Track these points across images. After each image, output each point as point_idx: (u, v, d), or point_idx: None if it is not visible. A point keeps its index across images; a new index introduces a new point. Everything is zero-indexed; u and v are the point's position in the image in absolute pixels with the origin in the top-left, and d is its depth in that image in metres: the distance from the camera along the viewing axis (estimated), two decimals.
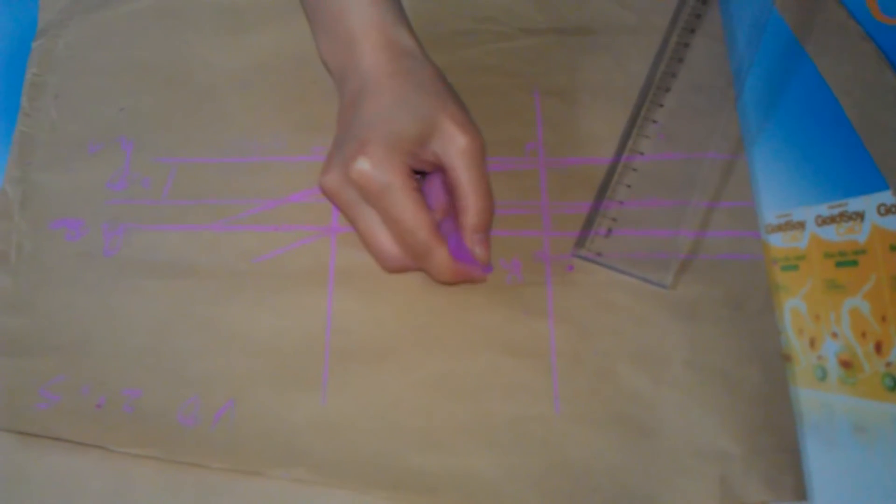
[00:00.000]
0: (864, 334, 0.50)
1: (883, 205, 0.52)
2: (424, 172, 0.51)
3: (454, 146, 0.48)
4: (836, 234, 0.53)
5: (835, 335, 0.51)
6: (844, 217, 0.53)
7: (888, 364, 0.50)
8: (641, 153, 0.55)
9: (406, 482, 0.48)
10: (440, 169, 0.50)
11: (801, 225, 0.53)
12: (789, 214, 0.54)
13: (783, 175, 0.55)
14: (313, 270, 0.53)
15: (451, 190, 0.49)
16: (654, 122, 0.55)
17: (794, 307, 0.52)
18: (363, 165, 0.46)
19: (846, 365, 0.50)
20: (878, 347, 0.50)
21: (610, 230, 0.53)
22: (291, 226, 0.54)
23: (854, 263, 0.52)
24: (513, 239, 0.54)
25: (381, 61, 0.49)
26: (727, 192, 0.54)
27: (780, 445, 0.48)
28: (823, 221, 0.53)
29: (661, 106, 0.56)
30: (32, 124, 0.59)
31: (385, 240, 0.49)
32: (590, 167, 0.55)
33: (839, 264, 0.52)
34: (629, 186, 0.54)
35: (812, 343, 0.51)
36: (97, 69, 0.61)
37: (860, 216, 0.53)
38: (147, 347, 0.52)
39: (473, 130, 0.48)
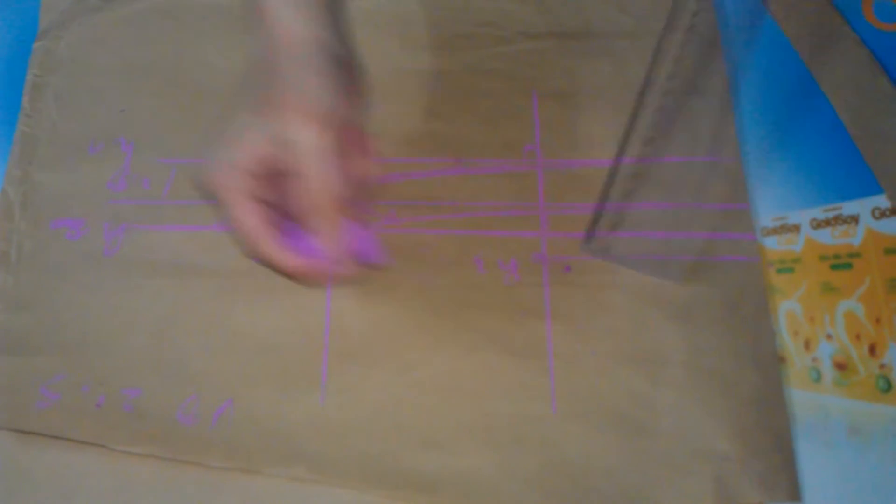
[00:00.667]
0: (858, 336, 0.51)
1: (877, 208, 0.53)
2: None
3: (298, 148, 0.42)
4: (830, 237, 0.53)
5: (829, 337, 0.51)
6: (839, 220, 0.53)
7: (882, 366, 0.50)
8: (643, 156, 0.55)
9: (404, 481, 0.49)
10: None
11: (796, 228, 0.54)
12: (785, 217, 0.54)
13: (778, 178, 0.55)
14: None
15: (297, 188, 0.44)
16: (653, 124, 0.55)
17: (789, 309, 0.52)
18: (211, 173, 0.44)
19: (841, 367, 0.50)
20: (873, 350, 0.50)
21: (615, 227, 0.53)
22: None
23: (849, 266, 0.52)
24: (510, 240, 0.54)
25: (278, 60, 0.44)
26: (723, 194, 0.54)
27: (774, 446, 0.48)
28: (818, 224, 0.53)
29: (660, 109, 0.56)
30: (33, 125, 0.59)
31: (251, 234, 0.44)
32: (587, 169, 0.55)
33: (834, 267, 0.52)
34: (629, 190, 0.54)
35: (807, 345, 0.51)
36: (98, 70, 0.61)
37: (855, 219, 0.53)
38: (146, 347, 0.53)
39: (319, 121, 0.42)
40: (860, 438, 0.49)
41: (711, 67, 0.58)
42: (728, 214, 0.53)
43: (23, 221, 0.56)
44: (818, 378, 0.51)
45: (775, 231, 0.54)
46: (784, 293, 0.52)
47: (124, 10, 0.63)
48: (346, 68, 0.45)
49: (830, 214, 0.54)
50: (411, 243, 0.53)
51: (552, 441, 0.49)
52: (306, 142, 0.42)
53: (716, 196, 0.54)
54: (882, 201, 0.53)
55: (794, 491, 0.47)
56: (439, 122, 0.57)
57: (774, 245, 0.54)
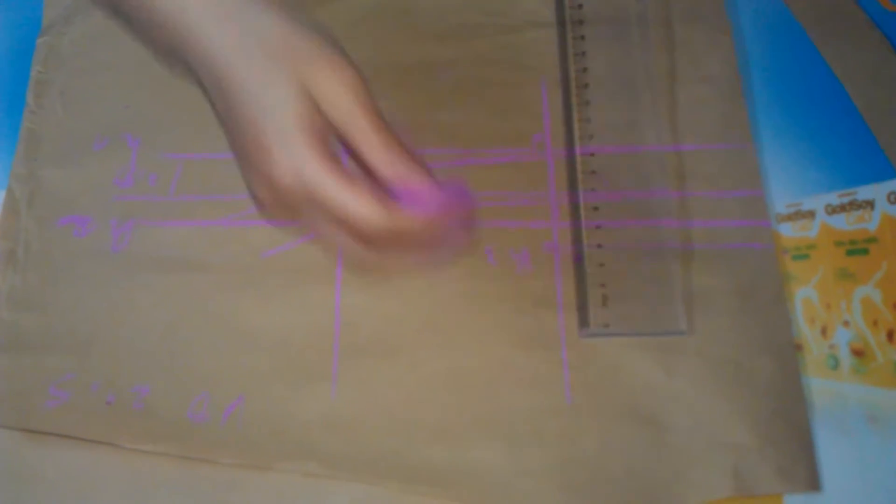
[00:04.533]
0: (875, 323, 0.50)
1: (893, 193, 0.52)
2: None
3: (337, 101, 0.40)
4: (846, 223, 0.52)
5: (847, 324, 0.51)
6: (854, 205, 0.53)
7: None
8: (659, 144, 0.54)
9: (417, 475, 0.48)
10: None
11: (810, 214, 0.53)
12: (799, 204, 0.53)
13: (792, 164, 0.54)
14: (321, 265, 0.53)
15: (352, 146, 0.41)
16: (591, 137, 0.55)
17: (805, 296, 0.51)
18: (282, 179, 0.39)
19: (858, 354, 0.50)
20: (891, 336, 0.50)
21: (605, 297, 0.51)
22: (299, 220, 0.54)
23: (865, 252, 0.51)
24: (522, 230, 0.53)
25: (214, 37, 0.41)
26: (737, 181, 0.53)
27: (792, 436, 0.48)
28: (833, 210, 0.53)
29: (669, 97, 0.56)
30: (38, 121, 0.59)
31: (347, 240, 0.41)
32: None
33: (850, 253, 0.52)
34: (596, 209, 0.53)
35: (824, 332, 0.51)
36: (102, 65, 0.61)
37: (870, 204, 0.52)
38: (156, 344, 0.52)
39: (344, 70, 0.41)
40: (879, 426, 0.49)
41: (721, 54, 0.57)
42: (742, 201, 0.53)
43: (29, 219, 0.56)
44: (836, 365, 0.50)
45: (790, 217, 0.53)
46: (800, 280, 0.52)
47: None
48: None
49: (845, 200, 0.53)
50: None
51: (567, 434, 0.49)
52: (341, 93, 0.40)
53: (728, 183, 0.53)
54: None
55: (814, 480, 0.47)
56: (447, 112, 0.57)
57: (789, 232, 0.53)
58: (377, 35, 0.59)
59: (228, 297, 0.53)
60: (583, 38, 0.57)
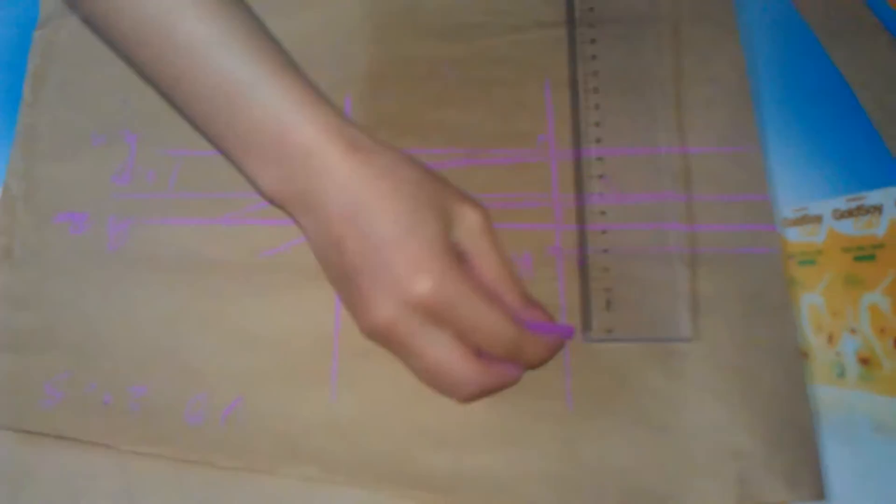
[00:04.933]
0: (883, 330, 0.50)
1: None
2: None
3: (472, 226, 0.46)
4: (853, 228, 0.52)
5: (853, 331, 0.50)
6: (862, 210, 0.52)
7: None
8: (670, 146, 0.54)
9: (417, 480, 0.48)
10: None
11: (817, 219, 0.52)
12: (805, 208, 0.53)
13: (799, 168, 0.54)
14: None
15: (478, 272, 0.46)
16: (598, 140, 0.54)
17: (811, 303, 0.51)
18: (426, 284, 0.42)
19: (865, 362, 0.49)
20: None
21: (609, 302, 0.50)
22: None
23: (872, 258, 0.51)
24: (524, 233, 0.53)
25: (360, 166, 0.45)
26: (742, 185, 0.53)
27: (798, 444, 0.47)
28: (841, 215, 0.52)
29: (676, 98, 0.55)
30: (35, 116, 0.59)
31: (462, 362, 0.45)
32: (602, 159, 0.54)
33: (857, 259, 0.51)
34: (603, 213, 0.52)
35: (830, 339, 0.50)
36: (100, 60, 0.60)
37: (878, 210, 0.52)
38: (153, 343, 0.52)
39: (473, 201, 0.47)
40: (886, 435, 0.48)
41: (729, 55, 0.56)
42: (747, 205, 0.52)
43: (25, 215, 0.56)
44: (842, 373, 0.49)
45: (796, 222, 0.53)
46: (806, 286, 0.51)
47: None
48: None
49: (853, 205, 0.52)
50: None
51: (569, 439, 0.48)
52: (482, 222, 0.46)
53: (734, 187, 0.52)
54: None
55: (819, 489, 0.46)
56: (450, 111, 0.56)
57: (795, 236, 0.52)
58: (381, 32, 0.58)
59: (227, 296, 0.53)
60: (593, 41, 0.56)
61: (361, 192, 0.44)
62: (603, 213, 0.52)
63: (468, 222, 0.45)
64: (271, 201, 0.49)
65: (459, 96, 0.56)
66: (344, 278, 0.46)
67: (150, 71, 0.49)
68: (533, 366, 0.48)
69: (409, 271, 0.43)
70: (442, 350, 0.45)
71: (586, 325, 0.50)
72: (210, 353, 0.51)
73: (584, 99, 0.55)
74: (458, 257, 0.45)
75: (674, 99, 0.55)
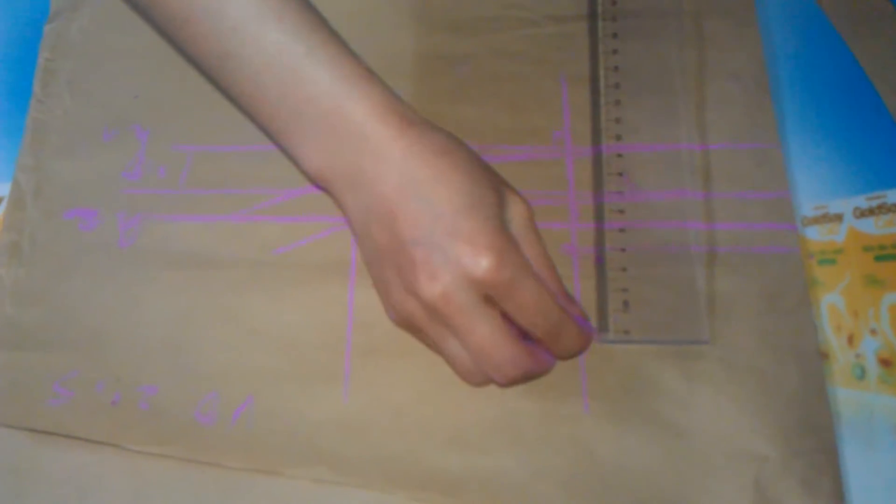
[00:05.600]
0: None
1: None
2: None
3: (520, 215, 0.46)
4: (874, 227, 0.51)
5: (874, 332, 0.49)
6: (883, 209, 0.51)
7: None
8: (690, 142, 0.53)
9: (430, 482, 0.47)
10: None
11: (838, 217, 0.52)
12: (826, 207, 0.52)
13: (819, 166, 0.53)
14: (335, 263, 0.52)
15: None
16: (618, 137, 0.53)
17: (831, 303, 0.50)
18: (489, 260, 0.42)
19: (886, 363, 0.49)
20: None
21: (626, 302, 0.50)
22: (312, 217, 0.53)
23: (894, 257, 0.50)
24: (540, 231, 0.52)
25: (415, 143, 0.45)
26: (762, 182, 0.52)
27: (816, 447, 0.47)
28: (862, 214, 0.52)
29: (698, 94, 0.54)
30: (45, 111, 0.58)
31: (510, 341, 0.44)
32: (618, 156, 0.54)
33: (878, 258, 0.51)
34: (622, 211, 0.52)
35: (850, 340, 0.49)
36: (111, 54, 0.60)
37: None
38: (163, 342, 0.51)
39: (520, 195, 0.47)
40: None
41: (749, 51, 0.55)
42: (767, 203, 0.51)
43: (35, 211, 0.55)
44: (862, 375, 0.49)
45: (816, 221, 0.52)
46: (826, 286, 0.51)
47: None
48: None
49: (874, 203, 0.52)
50: None
51: (583, 441, 0.48)
52: (529, 213, 0.46)
53: (754, 184, 0.52)
54: None
55: (838, 494, 0.46)
56: (464, 107, 0.56)
57: (815, 235, 0.52)
58: (394, 26, 0.58)
59: (238, 294, 0.52)
60: (615, 35, 0.56)
61: (419, 168, 0.44)
62: (621, 211, 0.51)
63: (518, 210, 0.45)
64: (313, 180, 0.49)
65: (473, 92, 0.56)
66: (391, 254, 0.45)
67: (196, 50, 0.49)
68: (564, 357, 0.47)
69: (473, 246, 0.42)
70: (491, 328, 0.44)
71: (603, 326, 0.50)
72: (221, 351, 0.51)
73: (604, 94, 0.54)
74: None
75: (695, 95, 0.54)
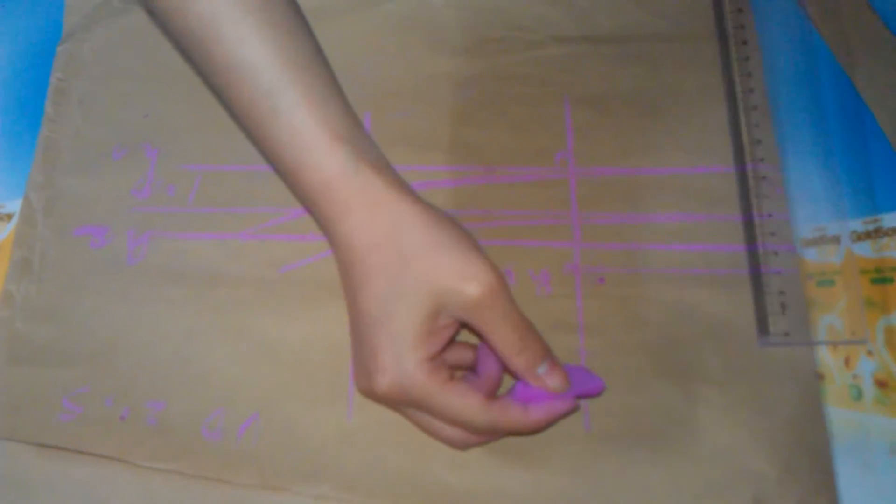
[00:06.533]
0: None
1: None
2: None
3: (463, 304, 0.43)
4: (870, 251, 0.52)
5: (870, 354, 0.50)
6: (879, 233, 0.52)
7: None
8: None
9: (433, 499, 0.48)
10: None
11: (836, 240, 0.52)
12: (824, 229, 0.53)
13: (817, 188, 0.54)
14: (340, 281, 0.52)
15: (485, 340, 0.46)
16: (762, 160, 0.54)
17: (829, 324, 0.51)
18: (381, 386, 0.43)
19: (882, 385, 0.49)
20: None
21: (784, 305, 0.51)
22: (319, 235, 0.54)
23: (890, 280, 0.51)
24: (542, 250, 0.53)
25: (356, 228, 0.45)
26: (762, 204, 0.53)
27: (814, 467, 0.47)
28: (859, 237, 0.52)
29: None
30: (57, 130, 0.59)
31: (445, 431, 0.46)
32: (621, 178, 0.54)
33: (874, 281, 0.51)
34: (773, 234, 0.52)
35: (847, 362, 0.50)
36: (122, 74, 0.60)
37: (895, 233, 0.52)
38: (171, 358, 0.52)
39: (477, 273, 0.43)
40: None
41: (750, 73, 0.56)
42: (766, 225, 0.52)
43: (46, 229, 0.56)
44: (858, 396, 0.49)
45: (814, 242, 0.52)
46: (824, 307, 0.51)
47: None
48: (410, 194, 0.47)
49: (871, 227, 0.52)
50: None
51: (585, 460, 0.48)
52: (473, 299, 0.43)
53: (759, 205, 0.52)
54: None
55: None
56: (469, 128, 0.56)
57: (814, 257, 0.52)
58: (400, 48, 0.58)
59: (245, 311, 0.53)
60: (747, 59, 0.56)
61: (355, 260, 0.45)
62: (773, 234, 0.52)
63: (463, 300, 0.43)
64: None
65: (478, 113, 0.56)
66: (349, 326, 0.48)
67: (201, 76, 0.51)
68: (520, 435, 0.48)
69: (372, 365, 0.44)
70: (423, 421, 0.46)
71: (762, 328, 0.50)
72: (228, 368, 0.52)
73: (744, 114, 0.55)
74: (447, 338, 0.45)
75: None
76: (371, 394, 0.45)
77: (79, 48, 0.62)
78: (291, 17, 0.47)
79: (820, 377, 0.50)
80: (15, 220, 0.57)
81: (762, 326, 0.50)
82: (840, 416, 0.49)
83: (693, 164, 0.54)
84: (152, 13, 0.50)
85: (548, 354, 0.46)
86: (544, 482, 0.48)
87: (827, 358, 0.50)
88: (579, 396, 0.47)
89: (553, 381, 0.45)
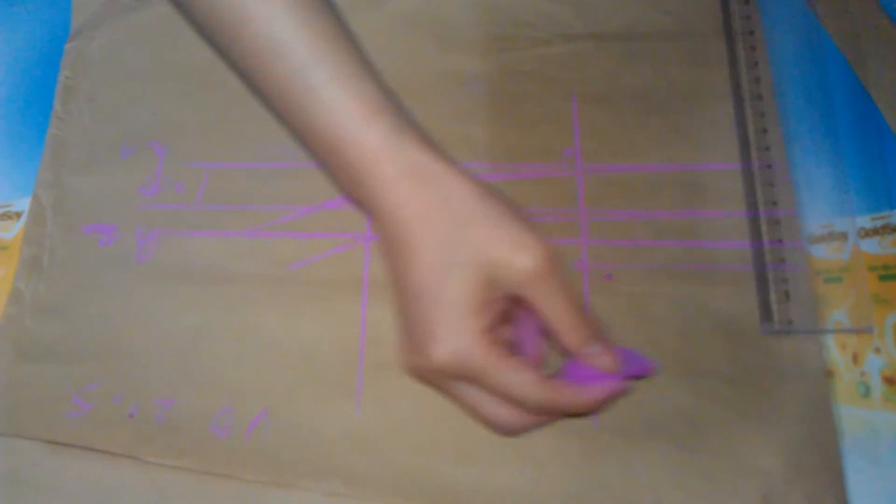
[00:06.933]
0: None
1: None
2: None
3: (517, 276, 0.42)
4: (878, 247, 0.52)
5: (878, 350, 0.50)
6: (887, 229, 0.52)
7: None
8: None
9: (442, 496, 0.48)
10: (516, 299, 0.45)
11: (843, 236, 0.52)
12: (832, 225, 0.52)
13: (825, 185, 0.54)
14: (348, 278, 0.53)
15: (536, 315, 0.44)
16: (767, 148, 0.54)
17: (836, 320, 0.51)
18: (439, 357, 0.42)
19: (890, 381, 0.49)
20: None
21: (787, 293, 0.51)
22: (326, 233, 0.54)
23: None
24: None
25: (403, 200, 0.44)
26: (770, 201, 0.53)
27: (822, 464, 0.47)
28: (866, 234, 0.52)
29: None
30: (65, 128, 0.59)
31: (495, 412, 0.44)
32: (627, 175, 0.54)
33: (882, 278, 0.51)
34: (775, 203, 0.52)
35: (855, 359, 0.50)
36: (130, 72, 0.60)
37: None
38: (180, 355, 0.52)
39: (529, 243, 0.43)
40: None
41: (757, 71, 0.56)
42: (774, 221, 0.52)
43: (55, 226, 0.56)
44: (867, 393, 0.49)
45: (823, 239, 0.52)
46: (832, 303, 0.51)
47: (157, 10, 0.62)
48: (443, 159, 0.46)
49: (878, 223, 0.52)
50: None
51: (593, 456, 0.48)
52: (529, 270, 0.42)
53: (762, 203, 0.52)
54: None
55: None
56: (476, 125, 0.56)
57: (822, 253, 0.52)
58: (408, 46, 0.58)
59: (254, 309, 0.53)
60: (754, 55, 0.56)
61: (403, 232, 0.44)
62: (775, 203, 0.52)
63: (516, 271, 0.42)
64: (350, 202, 0.50)
65: (485, 110, 0.56)
66: (395, 304, 0.47)
67: (228, 62, 0.50)
68: (573, 417, 0.48)
69: (427, 337, 0.43)
70: (473, 401, 0.45)
71: (766, 316, 0.50)
72: (236, 365, 0.52)
73: (750, 107, 0.55)
74: (499, 313, 0.44)
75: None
76: (422, 369, 0.44)
77: (87, 46, 0.62)
78: None
79: (828, 374, 0.50)
80: (24, 218, 0.57)
81: (765, 313, 0.50)
82: (848, 413, 0.49)
83: (700, 160, 0.54)
84: (177, 3, 0.50)
85: (600, 332, 0.45)
86: (552, 478, 0.48)
87: (835, 355, 0.50)
88: (630, 378, 0.46)
89: (606, 360, 0.44)
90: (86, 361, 0.53)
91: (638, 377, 0.48)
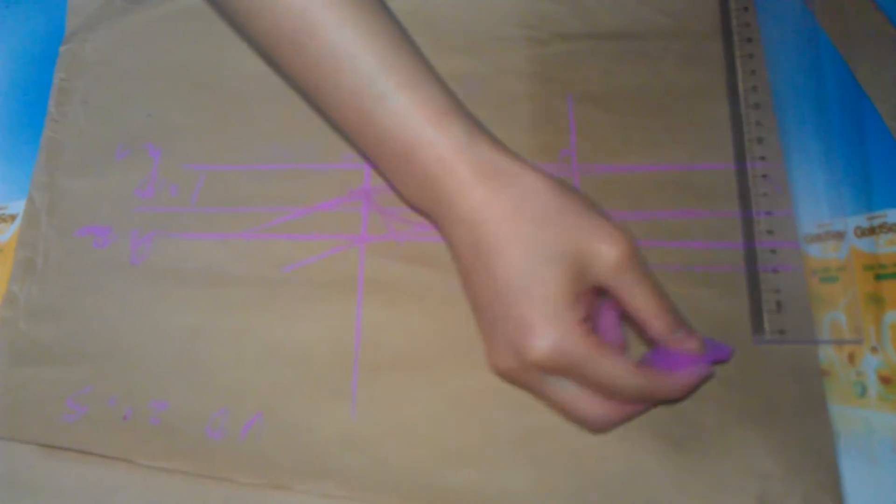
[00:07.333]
0: None
1: None
2: None
3: (605, 266, 0.43)
4: (875, 246, 0.51)
5: (875, 350, 0.50)
6: (884, 229, 0.52)
7: None
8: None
9: (438, 497, 0.48)
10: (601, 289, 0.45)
11: (840, 235, 0.52)
12: (828, 224, 0.52)
13: (822, 184, 0.53)
14: (343, 280, 0.53)
15: (621, 305, 0.45)
16: (762, 158, 0.54)
17: (833, 320, 0.50)
18: (541, 351, 0.42)
19: (886, 381, 0.49)
20: None
21: (779, 303, 0.50)
22: (321, 234, 0.54)
23: (894, 276, 0.51)
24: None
25: (482, 201, 0.44)
26: (766, 201, 0.53)
27: (818, 464, 0.47)
28: (862, 233, 0.52)
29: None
30: (60, 130, 0.59)
31: (591, 405, 0.44)
32: (623, 175, 0.54)
33: (879, 277, 0.51)
34: (771, 232, 0.52)
35: (851, 358, 0.50)
36: (125, 74, 0.60)
37: None
38: (175, 358, 0.52)
39: (613, 234, 0.43)
40: None
41: (753, 70, 0.56)
42: (770, 221, 0.52)
43: (49, 228, 0.56)
44: (863, 393, 0.49)
45: (818, 238, 0.52)
46: (828, 303, 0.51)
47: (152, 12, 0.62)
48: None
49: (875, 223, 0.52)
50: (443, 251, 0.52)
51: (591, 456, 0.48)
52: (616, 259, 0.43)
53: (758, 203, 0.52)
54: None
55: None
56: None
57: (818, 253, 0.52)
58: None
59: (249, 311, 0.53)
60: (751, 56, 0.56)
61: (482, 236, 0.44)
62: (769, 211, 0.52)
63: (604, 261, 0.43)
64: (414, 209, 0.49)
65: (482, 111, 0.56)
66: (475, 308, 0.47)
67: (287, 76, 0.49)
68: (668, 402, 0.48)
69: (524, 333, 0.42)
70: (568, 395, 0.44)
71: (758, 326, 0.50)
72: (231, 367, 0.52)
73: (745, 113, 0.55)
74: (588, 304, 0.44)
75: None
76: (519, 367, 0.43)
77: (81, 48, 0.62)
78: (375, 1, 0.47)
79: (824, 374, 0.49)
80: (18, 220, 0.57)
81: (757, 324, 0.50)
82: (844, 413, 0.49)
83: (695, 160, 0.54)
84: (233, 16, 0.49)
85: (682, 318, 0.46)
86: (550, 479, 0.48)
87: (831, 354, 0.50)
88: (713, 362, 0.46)
89: (692, 344, 0.45)
90: (80, 364, 0.53)
91: (718, 362, 0.48)
